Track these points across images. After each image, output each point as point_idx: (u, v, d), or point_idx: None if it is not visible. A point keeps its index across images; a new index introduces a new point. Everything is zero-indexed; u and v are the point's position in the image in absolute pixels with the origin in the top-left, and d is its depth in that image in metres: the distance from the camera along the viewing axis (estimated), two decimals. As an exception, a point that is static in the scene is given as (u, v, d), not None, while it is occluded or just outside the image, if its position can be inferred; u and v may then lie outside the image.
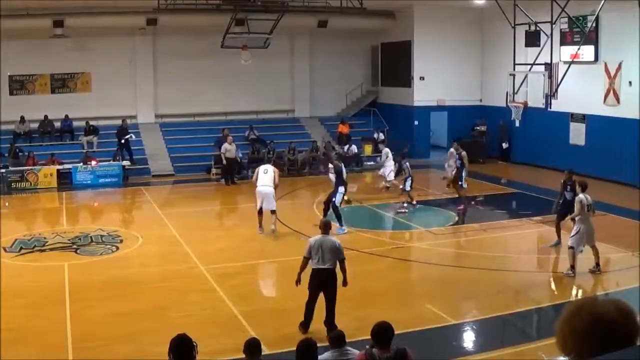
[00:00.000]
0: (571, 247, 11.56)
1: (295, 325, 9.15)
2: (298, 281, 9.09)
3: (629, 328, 1.98)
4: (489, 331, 9.70)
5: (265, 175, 14.72)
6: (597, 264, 11.69)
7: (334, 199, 15.10)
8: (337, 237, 10.72)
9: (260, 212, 14.85)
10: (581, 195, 11.70)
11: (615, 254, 13.20)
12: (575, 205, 11.80)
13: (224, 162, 21.72)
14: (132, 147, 23.33)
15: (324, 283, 8.99)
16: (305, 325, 9.12)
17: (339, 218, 14.94)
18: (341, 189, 15.18)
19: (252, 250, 13.83)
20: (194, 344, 5.11)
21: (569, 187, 13.21)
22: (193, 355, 5.10)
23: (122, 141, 22.87)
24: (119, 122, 23.80)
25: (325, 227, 9.33)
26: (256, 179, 14.90)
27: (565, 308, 2.09)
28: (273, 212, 14.90)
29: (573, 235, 11.62)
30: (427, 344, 8.90)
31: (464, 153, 17.75)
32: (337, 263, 9.03)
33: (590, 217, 11.73)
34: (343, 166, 15.80)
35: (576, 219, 11.66)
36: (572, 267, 11.55)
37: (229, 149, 21.75)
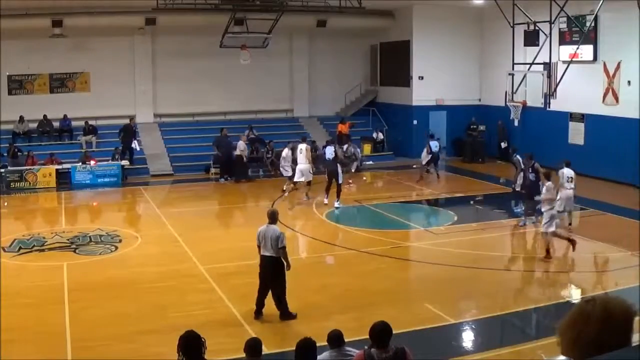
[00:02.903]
0: (558, 211, 13.85)
1: (295, 325, 9.16)
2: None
3: (630, 328, 1.99)
4: (488, 331, 9.71)
5: (302, 155, 18.13)
6: (570, 223, 15.10)
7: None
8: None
9: (295, 183, 18.49)
10: (562, 170, 14.79)
11: (615, 254, 13.22)
12: (558, 176, 14.73)
13: (245, 159, 22.28)
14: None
15: (267, 270, 9.46)
16: (257, 313, 9.59)
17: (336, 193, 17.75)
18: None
19: (251, 250, 13.67)
20: (203, 340, 5.10)
21: (530, 169, 15.24)
22: (202, 352, 5.09)
23: (132, 144, 22.87)
24: (118, 121, 23.77)
25: (272, 217, 9.73)
26: (295, 159, 18.59)
27: (570, 309, 2.09)
28: (309, 183, 18.34)
29: (557, 200, 13.88)
30: (426, 343, 8.92)
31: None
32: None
33: (569, 187, 14.64)
34: (326, 151, 18.57)
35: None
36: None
37: (243, 148, 22.26)
